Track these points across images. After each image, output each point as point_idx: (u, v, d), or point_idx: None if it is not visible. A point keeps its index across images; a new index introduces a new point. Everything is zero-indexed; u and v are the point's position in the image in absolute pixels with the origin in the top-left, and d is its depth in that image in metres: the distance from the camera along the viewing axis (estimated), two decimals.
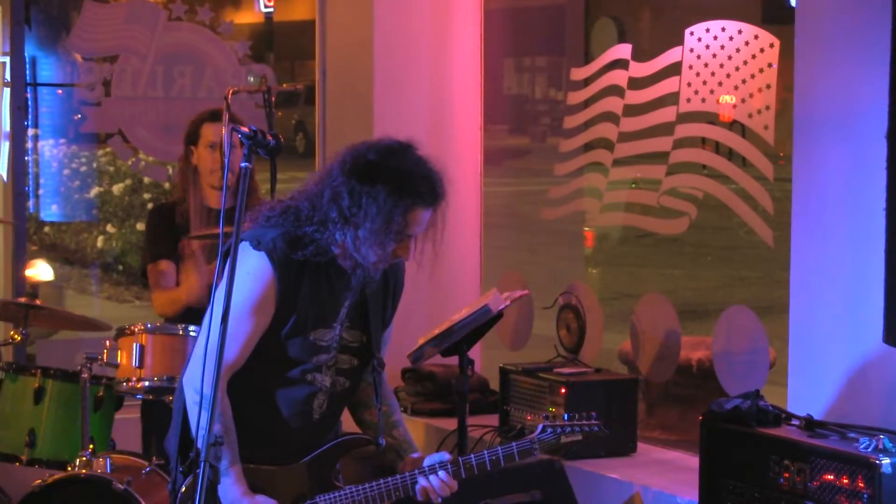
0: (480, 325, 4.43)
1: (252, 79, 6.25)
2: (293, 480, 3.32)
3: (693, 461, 4.47)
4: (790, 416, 4.15)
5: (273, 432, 3.37)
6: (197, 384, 3.18)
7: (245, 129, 3.39)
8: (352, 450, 3.37)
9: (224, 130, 4.67)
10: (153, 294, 4.83)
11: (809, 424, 4.04)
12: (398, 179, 3.24)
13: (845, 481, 3.73)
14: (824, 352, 4.39)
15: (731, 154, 5.23)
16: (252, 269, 3.25)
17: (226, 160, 4.17)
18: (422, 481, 3.27)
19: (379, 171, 3.25)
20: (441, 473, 3.26)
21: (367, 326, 3.41)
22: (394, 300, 3.52)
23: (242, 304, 3.20)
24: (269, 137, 3.44)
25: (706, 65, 5.24)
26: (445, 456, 3.31)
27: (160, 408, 4.52)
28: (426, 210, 3.28)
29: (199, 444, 2.97)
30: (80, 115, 6.24)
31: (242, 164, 3.33)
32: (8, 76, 5.88)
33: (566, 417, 3.30)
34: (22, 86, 5.86)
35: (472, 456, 3.28)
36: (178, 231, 4.80)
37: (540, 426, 3.29)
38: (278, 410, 3.36)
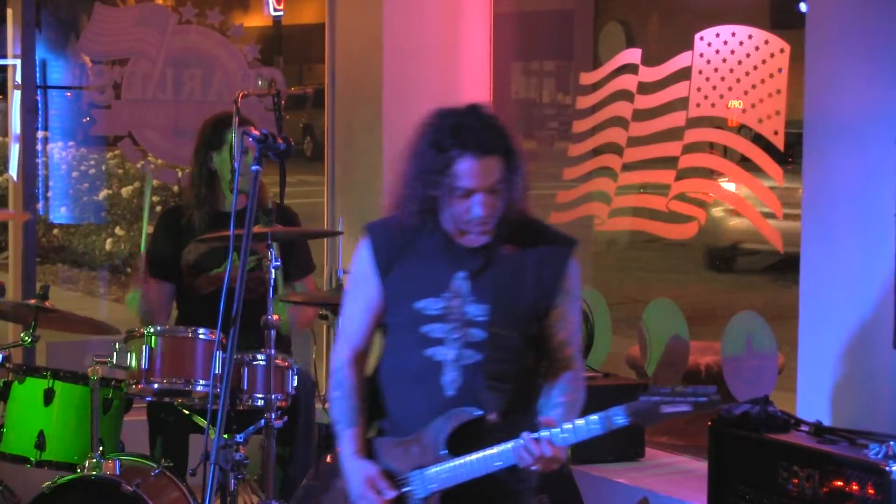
0: None
1: (261, 82, 6.25)
2: (404, 452, 3.32)
3: (701, 466, 4.47)
4: (799, 421, 4.15)
5: (404, 408, 3.35)
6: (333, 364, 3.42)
7: (256, 133, 3.41)
8: (459, 421, 3.26)
9: (234, 134, 4.67)
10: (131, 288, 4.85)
11: (818, 430, 4.03)
12: (437, 138, 3.21)
13: (855, 488, 3.73)
14: (834, 358, 4.38)
15: (740, 159, 5.23)
16: (358, 249, 3.36)
17: (236, 164, 4.18)
18: (517, 450, 3.19)
19: (429, 135, 3.23)
20: (544, 446, 3.15)
21: (491, 301, 3.29)
22: (551, 284, 3.31)
23: (350, 284, 3.38)
24: (280, 141, 3.46)
25: (716, 69, 5.24)
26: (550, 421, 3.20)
27: (166, 410, 4.53)
28: (466, 160, 3.18)
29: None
30: (89, 118, 6.25)
31: (253, 168, 3.35)
32: (18, 79, 5.89)
33: (670, 389, 3.08)
34: (32, 88, 5.86)
35: (574, 425, 3.15)
36: (185, 235, 4.80)
37: (644, 396, 3.10)
38: (405, 385, 3.34)
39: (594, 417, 3.12)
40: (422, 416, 3.30)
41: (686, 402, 3.05)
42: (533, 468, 3.17)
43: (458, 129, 3.19)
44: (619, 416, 3.10)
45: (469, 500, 3.27)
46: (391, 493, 3.25)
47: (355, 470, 3.29)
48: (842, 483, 3.77)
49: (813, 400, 4.42)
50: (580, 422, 3.14)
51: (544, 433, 3.15)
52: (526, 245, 3.31)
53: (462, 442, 3.24)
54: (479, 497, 3.28)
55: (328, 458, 3.48)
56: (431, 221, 3.28)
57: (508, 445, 3.18)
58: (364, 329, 3.38)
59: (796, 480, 3.90)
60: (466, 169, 3.18)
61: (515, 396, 3.30)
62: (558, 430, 3.15)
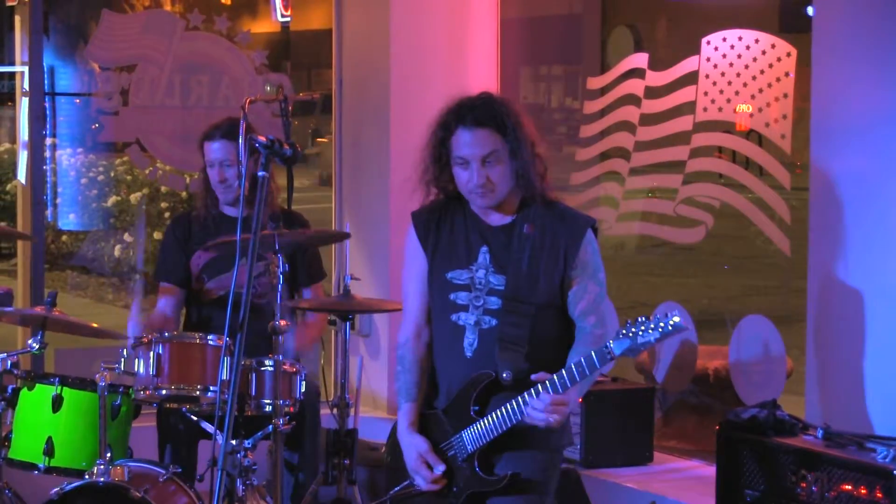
0: None
1: (269, 88, 6.26)
2: (443, 422, 3.62)
3: (709, 470, 4.46)
4: (807, 425, 4.14)
5: (440, 371, 3.69)
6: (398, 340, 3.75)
7: (262, 139, 3.41)
8: (479, 385, 3.57)
9: (240, 140, 4.68)
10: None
11: (827, 434, 4.03)
12: (443, 117, 3.62)
13: (863, 491, 3.72)
14: (841, 361, 4.38)
15: (747, 163, 5.23)
16: (406, 235, 3.75)
17: (242, 169, 4.18)
18: (531, 403, 3.44)
19: (440, 118, 3.64)
20: (542, 395, 3.41)
21: (508, 272, 3.60)
22: (564, 257, 3.60)
23: (405, 267, 3.75)
24: (286, 146, 3.47)
25: (723, 74, 5.24)
26: (543, 375, 3.45)
27: (175, 416, 4.53)
28: (461, 132, 3.56)
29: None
30: (97, 125, 6.26)
31: (259, 174, 3.35)
32: (27, 86, 5.90)
33: (639, 320, 3.32)
34: (40, 95, 5.87)
35: (563, 371, 3.41)
36: (193, 241, 4.82)
37: (617, 329, 3.36)
38: (440, 349, 3.69)
39: (579, 361, 3.38)
40: (451, 377, 3.64)
41: (656, 330, 3.28)
42: (538, 420, 3.42)
43: (460, 107, 3.60)
44: (605, 354, 3.35)
45: (504, 455, 3.55)
46: (441, 468, 3.55)
47: (409, 445, 3.63)
48: (850, 487, 3.76)
49: (821, 404, 4.41)
50: (567, 369, 3.40)
51: (535, 385, 3.43)
52: (545, 224, 3.63)
53: (487, 403, 3.56)
54: (513, 453, 3.55)
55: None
56: (462, 204, 3.67)
57: (516, 402, 3.46)
58: (423, 303, 3.73)
59: (804, 484, 3.90)
60: (461, 139, 3.57)
61: (532, 359, 3.56)
62: (546, 381, 3.41)
